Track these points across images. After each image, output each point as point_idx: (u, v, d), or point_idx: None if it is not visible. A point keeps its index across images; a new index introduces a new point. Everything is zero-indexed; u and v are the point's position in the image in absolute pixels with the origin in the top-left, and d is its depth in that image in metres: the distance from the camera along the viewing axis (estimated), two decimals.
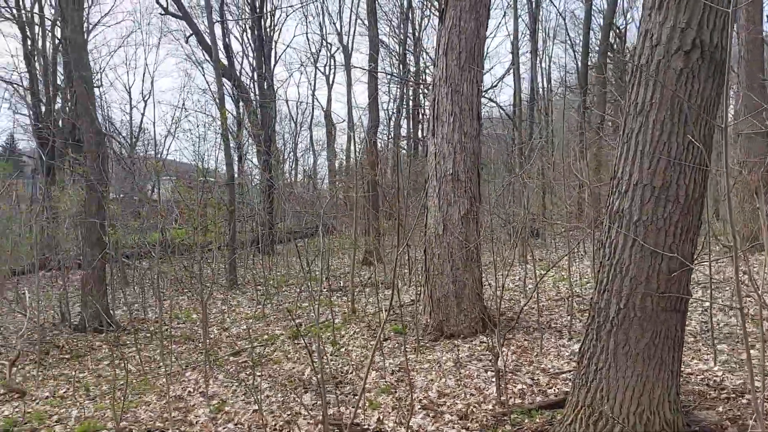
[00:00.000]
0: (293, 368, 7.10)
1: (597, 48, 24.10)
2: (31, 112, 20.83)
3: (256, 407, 5.85)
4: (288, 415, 5.64)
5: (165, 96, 64.08)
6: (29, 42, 20.99)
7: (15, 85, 22.25)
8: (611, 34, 24.00)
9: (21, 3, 20.36)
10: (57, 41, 20.97)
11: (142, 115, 38.91)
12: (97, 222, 9.20)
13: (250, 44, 28.28)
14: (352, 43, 33.69)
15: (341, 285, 12.75)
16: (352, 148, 34.99)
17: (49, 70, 20.71)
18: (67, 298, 10.03)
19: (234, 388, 6.55)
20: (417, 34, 29.51)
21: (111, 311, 9.62)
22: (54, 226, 12.48)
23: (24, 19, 20.00)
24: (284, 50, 46.48)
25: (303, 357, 7.52)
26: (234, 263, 13.32)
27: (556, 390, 5.66)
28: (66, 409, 6.27)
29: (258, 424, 5.50)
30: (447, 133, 7.60)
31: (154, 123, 52.08)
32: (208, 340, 8.58)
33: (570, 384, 5.58)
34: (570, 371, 6.03)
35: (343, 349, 7.60)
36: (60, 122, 20.48)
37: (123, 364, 7.80)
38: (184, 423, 5.64)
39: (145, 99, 35.63)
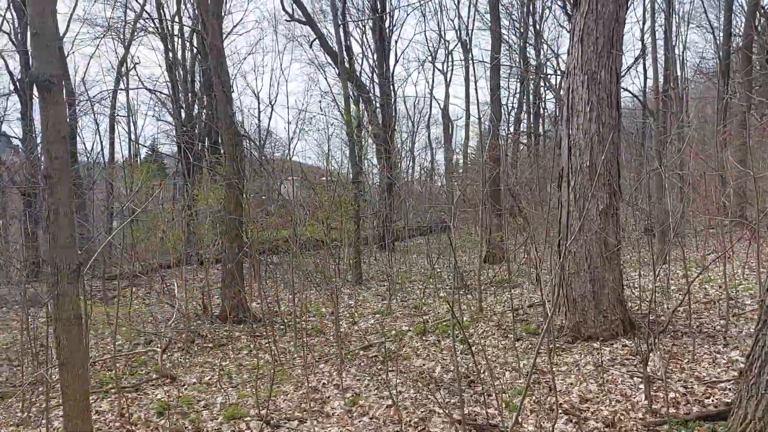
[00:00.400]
0: (423, 365, 7.05)
1: (740, 32, 22.01)
2: (172, 118, 22.56)
3: (390, 402, 5.86)
4: (422, 412, 5.59)
5: (291, 100, 67.10)
6: (170, 53, 22.76)
7: (158, 93, 24.22)
8: (757, 15, 21.79)
9: (162, 14, 22.07)
10: (195, 50, 22.56)
11: (269, 118, 40.84)
12: (236, 218, 9.70)
13: (368, 45, 28.86)
14: (471, 38, 33.18)
15: (465, 283, 12.57)
16: (472, 144, 34.63)
17: (188, 78, 22.30)
18: (209, 290, 10.68)
19: (366, 382, 6.61)
20: (538, 26, 28.58)
21: (248, 304, 10.12)
22: (195, 223, 13.37)
23: (166, 31, 21.67)
24: (404, 50, 46.77)
25: (432, 354, 7.46)
26: (359, 259, 13.57)
27: (714, 400, 5.16)
28: (211, 395, 6.63)
29: (392, 419, 5.50)
30: (583, 123, 7.20)
31: (288, 123, 53.82)
32: (336, 334, 8.78)
33: (732, 395, 5.08)
34: (730, 380, 5.48)
35: (473, 348, 7.44)
36: (198, 127, 22.02)
37: (261, 355, 8.17)
38: (321, 414, 5.76)
39: (272, 103, 37.42)
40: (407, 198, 20.44)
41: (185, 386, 6.98)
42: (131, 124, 21.25)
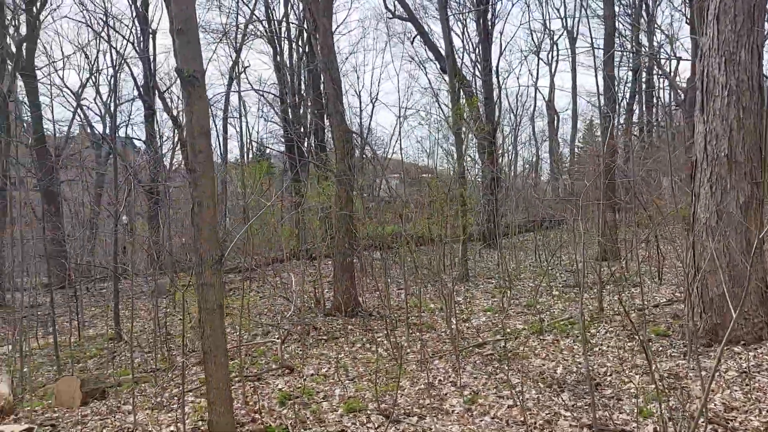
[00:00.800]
0: (543, 365, 6.78)
1: None
2: (279, 119, 23.36)
3: (511, 402, 5.67)
4: (546, 414, 5.35)
5: (391, 97, 67.74)
6: (278, 56, 23.58)
7: (265, 95, 25.19)
8: None
9: (270, 15, 22.87)
10: (301, 51, 23.23)
11: (370, 117, 41.39)
12: (347, 214, 9.82)
13: (469, 39, 28.46)
14: (578, 27, 31.87)
15: (577, 281, 12.05)
16: (580, 136, 33.29)
17: (295, 79, 23.00)
18: (322, 284, 10.91)
19: (484, 381, 6.45)
20: (651, 11, 26.95)
21: (359, 298, 10.23)
22: (305, 219, 13.73)
23: (274, 34, 22.45)
24: (509, 41, 45.76)
25: (552, 354, 7.16)
26: (466, 256, 13.37)
27: None
28: (330, 387, 6.73)
29: (515, 420, 5.31)
30: (720, 108, 6.62)
31: (399, 120, 54.38)
32: (450, 331, 8.66)
33: None
34: None
35: (596, 349, 7.07)
36: (305, 126, 22.67)
37: (375, 348, 8.22)
38: (440, 411, 5.67)
39: (373, 102, 37.88)
40: (512, 193, 19.93)
41: (303, 377, 7.13)
42: (243, 124, 22.18)
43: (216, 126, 25.30)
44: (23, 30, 19.45)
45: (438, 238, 11.15)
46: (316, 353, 8.17)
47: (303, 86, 23.99)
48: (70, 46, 48.70)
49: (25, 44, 18.46)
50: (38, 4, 18.25)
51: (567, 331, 7.99)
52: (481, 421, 5.38)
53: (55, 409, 6.64)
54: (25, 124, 21.22)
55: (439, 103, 33.89)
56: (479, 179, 22.57)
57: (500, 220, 19.13)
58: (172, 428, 5.75)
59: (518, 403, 5.63)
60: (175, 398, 6.71)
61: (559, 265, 14.04)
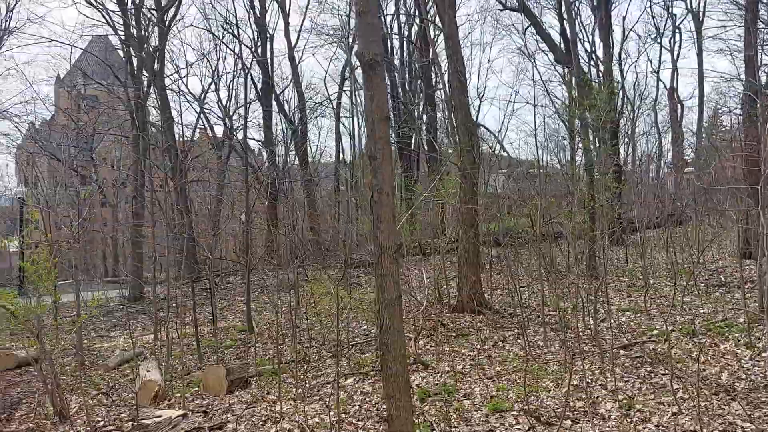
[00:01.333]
0: (704, 370, 6.20)
1: None
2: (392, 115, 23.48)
3: (675, 409, 5.20)
4: (720, 424, 4.86)
5: (499, 92, 66.83)
6: (387, 52, 23.73)
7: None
8: None
9: (381, 11, 23.01)
10: (411, 46, 23.23)
11: (477, 111, 40.79)
12: (472, 208, 9.59)
13: (582, 27, 27.21)
14: (704, 8, 29.51)
15: (723, 280, 11.09)
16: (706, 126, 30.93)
17: (405, 75, 23.04)
18: (446, 279, 10.75)
19: (638, 385, 6.00)
20: None
21: (484, 293, 9.96)
22: (418, 213, 13.62)
23: (384, 29, 22.60)
24: (632, 27, 43.42)
25: (712, 358, 6.55)
26: (593, 253, 12.68)
27: None
28: (468, 384, 6.53)
29: (684, 429, 4.86)
30: None
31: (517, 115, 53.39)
32: (588, 331, 8.20)
33: None
34: None
35: (765, 354, 6.38)
36: (416, 121, 22.65)
37: (510, 347, 7.94)
38: (594, 416, 5.31)
39: (480, 96, 37.20)
40: (640, 187, 18.78)
41: (439, 374, 6.98)
42: (355, 124, 22.54)
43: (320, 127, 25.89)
44: (152, 41, 20.87)
45: (568, 233, 10.62)
46: (448, 350, 8.00)
47: (414, 82, 24.02)
48: (191, 53, 51.84)
49: (157, 54, 19.74)
50: (169, 15, 19.44)
51: (724, 334, 7.30)
52: (644, 428, 4.98)
53: (203, 396, 6.93)
54: (155, 129, 22.73)
55: (549, 95, 32.74)
56: (597, 173, 21.46)
57: (627, 215, 18.11)
58: (316, 419, 5.81)
59: (683, 411, 5.16)
60: (315, 389, 6.79)
61: (698, 262, 13.00)
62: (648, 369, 6.45)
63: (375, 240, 2.88)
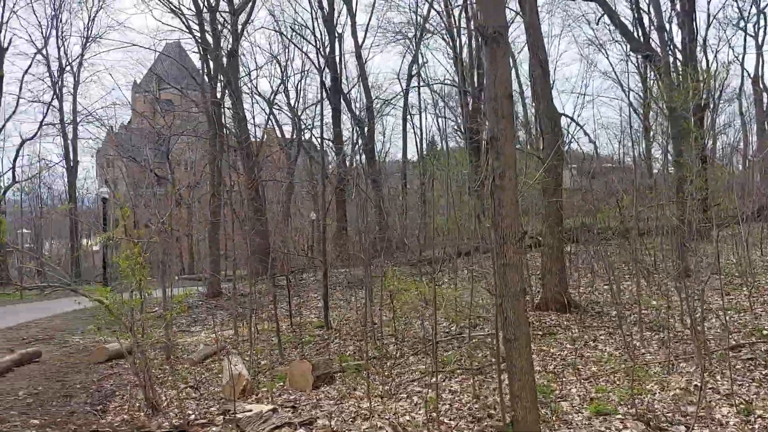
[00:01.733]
0: None
1: None
2: (461, 109, 23.14)
3: None
4: None
5: (567, 85, 65.45)
6: (456, 48, 23.42)
7: (439, 90, 25.15)
8: None
9: (449, 5, 22.72)
10: (478, 41, 22.80)
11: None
12: (556, 202, 9.21)
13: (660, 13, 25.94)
14: None
15: None
16: None
17: (475, 71, 22.64)
18: (529, 276, 10.39)
19: (754, 390, 5.53)
20: None
21: (568, 292, 9.56)
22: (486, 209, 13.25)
23: (453, 26, 22.31)
24: (716, 14, 41.21)
25: None
26: (684, 249, 11.97)
27: None
28: (562, 385, 6.21)
29: None
30: None
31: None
32: (687, 331, 7.69)
33: None
34: None
35: None
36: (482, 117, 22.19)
37: (603, 347, 7.55)
38: (711, 421, 4.91)
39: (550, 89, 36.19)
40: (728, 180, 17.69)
41: None
42: (422, 121, 22.31)
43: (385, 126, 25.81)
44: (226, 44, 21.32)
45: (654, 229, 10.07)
46: (536, 349, 7.67)
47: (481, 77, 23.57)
48: (261, 56, 52.98)
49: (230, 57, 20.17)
50: (242, 19, 19.84)
51: None
52: None
53: (290, 391, 6.90)
54: (229, 130, 23.27)
55: (621, 87, 31.52)
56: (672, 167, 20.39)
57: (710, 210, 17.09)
58: (407, 417, 5.65)
59: None
60: (402, 387, 6.63)
61: None
62: (763, 372, 5.95)
63: (495, 228, 2.67)
